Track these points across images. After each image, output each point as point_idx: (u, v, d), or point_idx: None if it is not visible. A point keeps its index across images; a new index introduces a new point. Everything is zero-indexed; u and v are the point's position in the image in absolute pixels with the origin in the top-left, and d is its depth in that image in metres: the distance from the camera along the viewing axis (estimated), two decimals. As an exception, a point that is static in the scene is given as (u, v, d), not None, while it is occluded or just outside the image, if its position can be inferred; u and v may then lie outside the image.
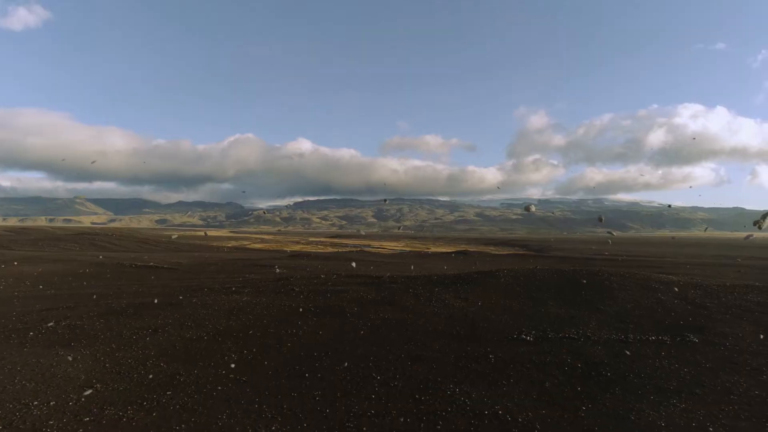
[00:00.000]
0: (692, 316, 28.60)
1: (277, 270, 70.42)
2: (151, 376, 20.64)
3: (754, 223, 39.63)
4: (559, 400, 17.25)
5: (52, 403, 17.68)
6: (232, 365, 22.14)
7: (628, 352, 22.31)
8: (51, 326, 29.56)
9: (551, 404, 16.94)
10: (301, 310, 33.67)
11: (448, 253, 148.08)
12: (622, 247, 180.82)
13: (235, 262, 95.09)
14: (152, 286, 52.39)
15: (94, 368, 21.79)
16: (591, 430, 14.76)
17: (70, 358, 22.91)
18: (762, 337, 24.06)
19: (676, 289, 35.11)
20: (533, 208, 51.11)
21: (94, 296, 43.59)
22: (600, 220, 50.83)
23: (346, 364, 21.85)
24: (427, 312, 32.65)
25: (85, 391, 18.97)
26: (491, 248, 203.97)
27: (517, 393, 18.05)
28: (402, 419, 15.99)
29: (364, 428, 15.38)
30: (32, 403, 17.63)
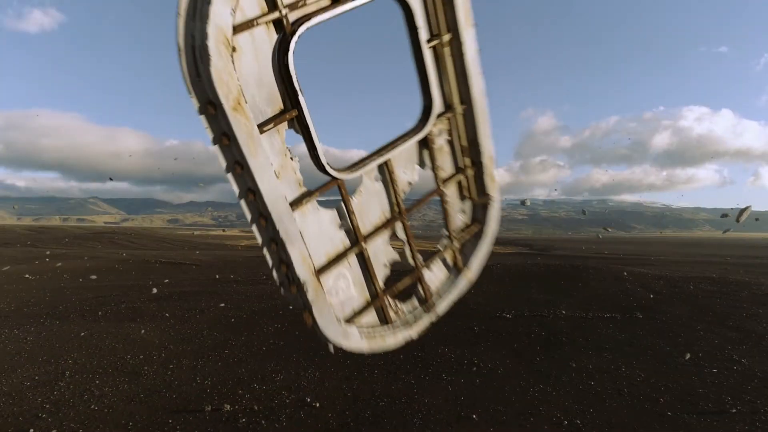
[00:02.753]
0: (646, 300, 34.24)
1: (293, 266, 76.40)
2: (209, 342, 26.67)
3: (723, 215, 44.79)
4: (521, 355, 23.05)
5: (141, 357, 23.73)
6: (270, 334, 28.12)
7: (581, 323, 28.06)
8: (115, 307, 35.81)
9: (515, 357, 22.73)
10: (320, 296, 39.59)
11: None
12: (621, 246, 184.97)
13: (253, 259, 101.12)
14: (183, 279, 58.36)
15: (163, 335, 27.85)
16: (539, 371, 20.53)
17: (141, 329, 29.04)
18: (693, 314, 29.66)
19: (625, 274, 40.74)
20: (528, 202, 56.80)
21: (137, 286, 49.82)
22: (583, 213, 56.13)
23: (360, 333, 27.77)
24: (427, 298, 38.44)
25: (154, 359, 25.03)
26: (496, 247, 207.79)
27: (491, 351, 23.82)
28: (403, 366, 21.83)
29: (375, 371, 21.23)
30: (126, 357, 23.70)
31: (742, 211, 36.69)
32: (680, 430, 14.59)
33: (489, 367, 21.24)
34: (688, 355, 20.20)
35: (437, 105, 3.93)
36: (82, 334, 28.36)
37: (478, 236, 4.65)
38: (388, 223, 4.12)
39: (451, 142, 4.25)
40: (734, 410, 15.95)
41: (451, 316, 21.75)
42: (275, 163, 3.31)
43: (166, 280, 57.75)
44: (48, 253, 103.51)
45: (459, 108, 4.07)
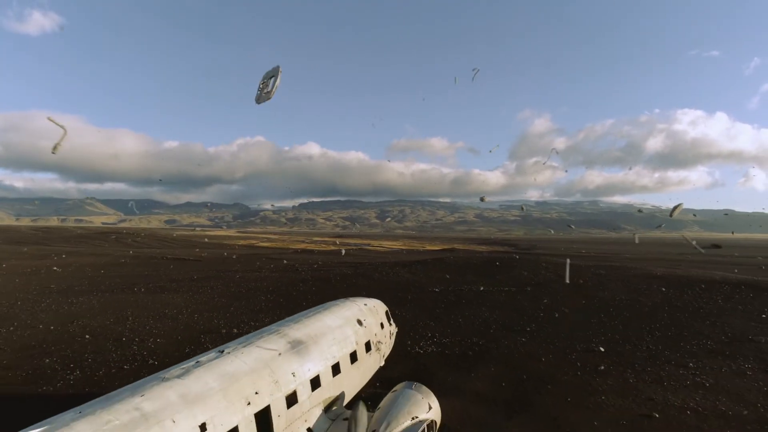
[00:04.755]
0: (545, 279, 46.07)
1: (285, 261, 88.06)
2: (219, 304, 38.13)
3: (639, 211, 55.52)
4: (429, 310, 34.63)
5: (174, 311, 35.17)
6: (262, 301, 39.60)
7: (484, 294, 39.77)
8: (144, 286, 47.21)
9: (424, 311, 34.29)
10: (302, 279, 51.20)
11: (438, 250, 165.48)
12: (601, 246, 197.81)
13: (249, 256, 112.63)
14: (190, 271, 69.63)
15: (187, 301, 39.29)
16: (434, 317, 32.11)
17: (170, 297, 40.48)
18: (566, 289, 41.39)
19: (544, 264, 52.50)
20: (486, 199, 67.92)
21: (154, 275, 61.17)
22: (522, 208, 67.20)
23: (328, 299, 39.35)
24: (385, 280, 50.00)
25: (185, 312, 36.48)
26: (483, 247, 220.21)
27: (410, 308, 35.38)
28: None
29: (330, 318, 32.75)
30: (165, 311, 35.13)
31: (675, 207, 47.17)
32: (488, 338, 26.23)
33: (403, 315, 32.75)
34: (482, 287, 31.82)
35: None
36: (131, 299, 39.89)
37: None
38: None
39: None
40: (528, 329, 27.71)
41: (395, 290, 35.36)
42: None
43: (176, 271, 69.00)
44: (65, 249, 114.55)
45: None
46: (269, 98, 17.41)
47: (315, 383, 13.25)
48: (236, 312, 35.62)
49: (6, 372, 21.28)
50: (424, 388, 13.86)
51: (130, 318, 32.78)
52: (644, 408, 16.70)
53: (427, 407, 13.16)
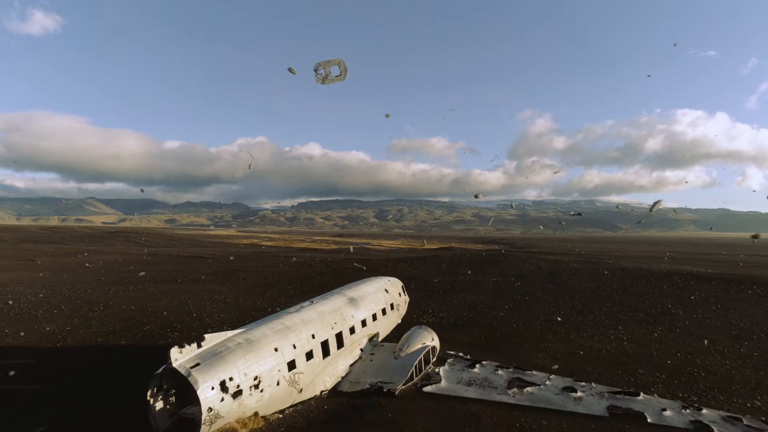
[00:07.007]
0: (528, 272, 54.16)
1: (294, 259, 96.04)
2: (256, 291, 46.13)
3: (617, 207, 63.03)
4: (430, 295, 42.73)
5: (222, 295, 43.17)
6: (290, 289, 47.61)
7: (474, 283, 47.89)
8: (183, 278, 55.12)
9: (427, 296, 42.39)
10: (319, 273, 59.26)
11: (435, 248, 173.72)
12: (593, 245, 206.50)
13: (258, 254, 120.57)
14: (212, 266, 77.26)
15: (228, 288, 47.28)
16: (435, 299, 40.23)
17: (213, 286, 48.44)
18: (543, 278, 49.51)
19: (525, 257, 60.60)
20: (480, 197, 75.69)
21: (183, 270, 68.98)
22: (512, 206, 75.13)
23: (344, 287, 47.54)
24: (392, 273, 57.84)
25: (230, 297, 44.47)
26: (479, 245, 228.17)
27: (415, 294, 43.33)
28: (365, 299, 41.48)
29: (350, 301, 40.86)
30: (213, 296, 43.12)
31: (655, 203, 54.41)
32: (475, 313, 34.32)
33: (413, 299, 40.82)
34: (473, 277, 39.86)
35: None
36: (180, 287, 47.81)
37: None
38: None
39: None
40: (507, 307, 35.83)
41: (401, 280, 43.64)
42: None
43: (200, 267, 76.62)
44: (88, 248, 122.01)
45: None
46: (342, 80, 23.40)
47: (363, 323, 21.70)
48: (272, 296, 43.59)
49: (126, 333, 29.37)
50: (429, 328, 22.30)
51: (189, 301, 40.72)
52: (574, 349, 24.87)
53: (431, 339, 21.38)
